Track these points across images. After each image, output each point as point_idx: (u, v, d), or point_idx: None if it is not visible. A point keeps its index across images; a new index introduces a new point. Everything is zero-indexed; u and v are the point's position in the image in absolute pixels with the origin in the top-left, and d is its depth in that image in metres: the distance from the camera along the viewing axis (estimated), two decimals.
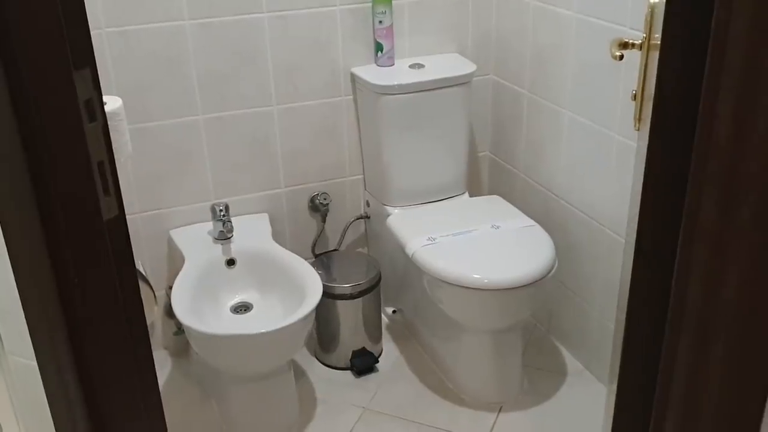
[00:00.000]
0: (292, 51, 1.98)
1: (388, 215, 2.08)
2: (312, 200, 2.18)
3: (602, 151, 1.81)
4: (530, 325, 2.23)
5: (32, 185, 0.82)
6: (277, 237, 2.04)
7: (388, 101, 1.98)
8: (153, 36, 1.84)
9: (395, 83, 1.97)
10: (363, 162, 2.20)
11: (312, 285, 1.77)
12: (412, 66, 2.05)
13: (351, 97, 2.11)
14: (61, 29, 0.78)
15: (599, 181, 1.85)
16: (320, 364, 2.11)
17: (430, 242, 1.85)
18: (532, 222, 1.95)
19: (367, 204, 2.24)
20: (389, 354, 2.15)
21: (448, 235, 1.88)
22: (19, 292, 0.87)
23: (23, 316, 0.88)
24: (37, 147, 0.81)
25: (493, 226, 1.92)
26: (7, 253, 0.85)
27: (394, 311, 2.27)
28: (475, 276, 1.73)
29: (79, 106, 0.82)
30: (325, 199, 2.16)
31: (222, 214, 1.93)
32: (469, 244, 1.85)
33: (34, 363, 0.90)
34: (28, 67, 0.78)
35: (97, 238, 0.88)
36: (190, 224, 2.04)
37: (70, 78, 0.81)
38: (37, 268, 0.86)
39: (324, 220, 2.19)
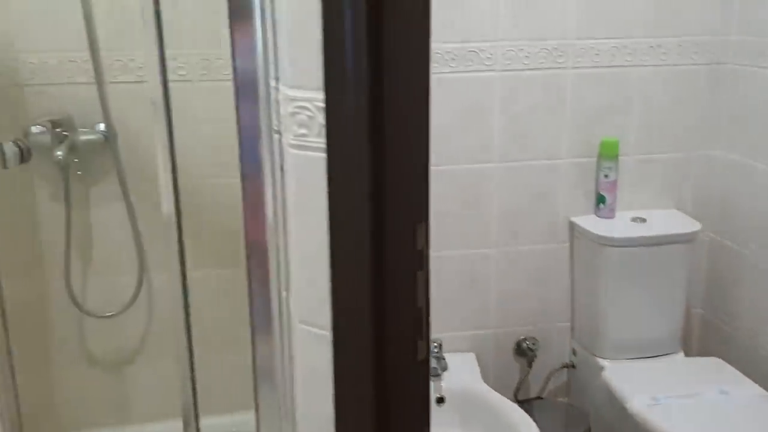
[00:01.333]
0: (516, 198, 2.07)
1: (600, 366, 2.03)
2: (519, 344, 2.18)
3: None
4: None
5: (371, 323, 0.90)
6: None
7: (609, 252, 1.99)
8: None
9: (619, 235, 1.98)
10: (572, 310, 2.19)
11: None
12: (633, 219, 2.06)
13: (567, 245, 2.14)
14: (410, 187, 0.89)
15: None
16: None
17: (655, 402, 1.77)
18: (764, 392, 1.83)
19: (573, 352, 2.21)
20: None
21: (672, 397, 1.80)
22: (336, 410, 0.94)
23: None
24: (375, 291, 0.90)
25: (721, 392, 1.82)
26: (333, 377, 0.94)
27: None
28: None
29: (415, 257, 0.92)
30: (533, 344, 2.15)
31: (436, 350, 1.98)
32: (698, 409, 1.75)
33: None
34: (373, 221, 0.89)
35: (411, 380, 0.94)
36: None
37: (413, 232, 0.90)
38: (360, 397, 0.92)
39: (530, 365, 2.17)
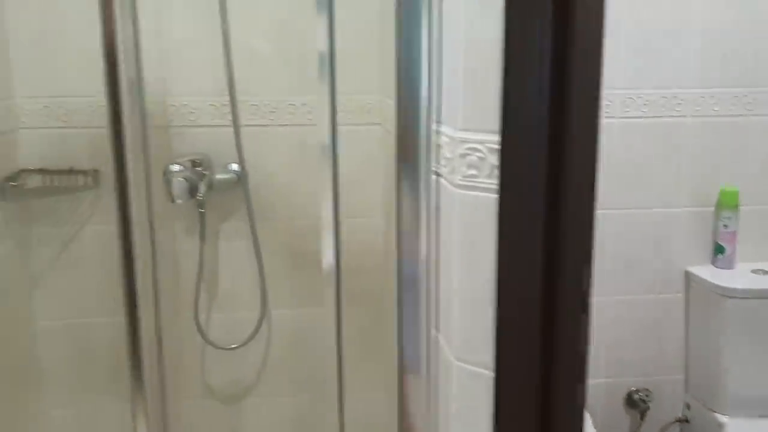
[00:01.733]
0: (630, 245, 2.05)
1: (719, 423, 1.96)
2: (630, 395, 2.12)
3: None
4: None
5: (540, 365, 0.91)
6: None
7: (729, 304, 1.93)
8: None
9: (742, 287, 1.93)
10: (687, 362, 2.13)
11: None
12: (755, 271, 2.01)
13: (681, 295, 2.09)
14: (580, 229, 0.91)
15: None
16: None
17: None
18: None
19: (687, 406, 2.13)
20: None
21: None
22: None
23: None
24: (545, 332, 0.91)
25: None
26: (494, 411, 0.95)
27: None
28: None
29: (581, 299, 0.93)
30: (647, 395, 2.10)
31: None
32: None
33: None
34: (544, 262, 0.91)
35: (571, 424, 0.94)
36: None
37: (580, 274, 0.92)
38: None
39: (642, 418, 2.11)
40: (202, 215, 1.85)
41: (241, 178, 1.87)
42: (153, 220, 1.30)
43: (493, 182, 0.93)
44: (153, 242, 1.30)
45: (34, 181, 1.77)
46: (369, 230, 1.97)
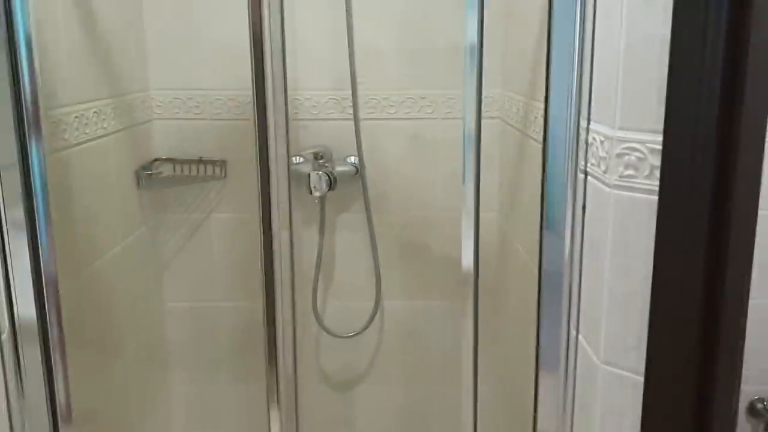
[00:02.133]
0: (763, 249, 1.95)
1: None
2: (752, 404, 2.03)
3: None
4: None
5: (696, 373, 0.89)
6: None
7: None
8: None
9: None
10: None
11: None
12: None
13: None
14: (744, 235, 0.87)
15: None
16: None
17: None
18: None
19: None
20: None
21: None
22: None
23: None
24: (704, 340, 0.89)
25: None
26: None
27: None
28: None
29: (742, 305, 0.90)
30: None
31: None
32: None
33: None
34: (707, 268, 0.88)
35: None
36: None
37: (742, 281, 0.89)
38: None
39: (766, 430, 2.02)
40: (322, 207, 1.90)
41: (359, 170, 1.90)
42: (292, 209, 1.34)
43: (653, 183, 0.90)
44: (291, 231, 1.33)
45: (166, 170, 1.86)
46: (485, 225, 1.96)
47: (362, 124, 1.88)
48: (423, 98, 1.89)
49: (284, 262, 1.37)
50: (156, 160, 1.86)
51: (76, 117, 1.42)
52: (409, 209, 1.96)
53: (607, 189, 0.97)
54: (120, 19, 1.69)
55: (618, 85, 0.94)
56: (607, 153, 0.97)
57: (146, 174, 1.78)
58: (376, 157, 1.92)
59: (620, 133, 0.94)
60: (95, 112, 1.51)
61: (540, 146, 1.44)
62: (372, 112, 1.90)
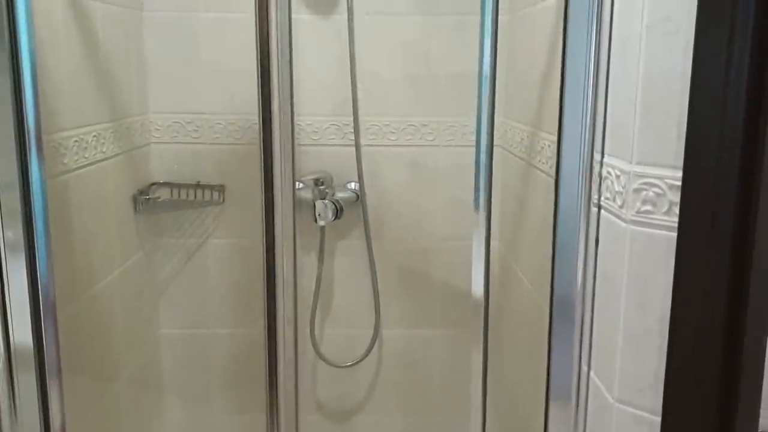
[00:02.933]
0: None
1: None
2: None
3: None
4: None
5: (717, 420, 0.87)
6: None
7: None
8: None
9: None
10: None
11: None
12: None
13: None
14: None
15: None
16: None
17: None
18: None
19: None
20: None
21: None
22: None
23: None
24: (724, 386, 0.87)
25: None
26: None
27: None
28: None
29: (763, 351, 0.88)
30: None
31: None
32: None
33: None
34: (728, 309, 0.86)
35: None
36: None
37: (764, 326, 0.87)
38: None
39: None
40: (322, 233, 1.87)
41: (360, 196, 1.88)
42: (296, 236, 1.31)
43: (672, 220, 0.89)
44: (295, 258, 1.31)
45: (164, 194, 1.83)
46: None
47: (363, 150, 1.86)
48: (424, 125, 1.88)
49: (287, 289, 1.34)
50: (153, 184, 1.83)
51: (75, 141, 1.39)
52: (409, 236, 1.94)
53: (624, 224, 0.95)
54: (121, 42, 1.68)
55: (635, 118, 0.93)
56: (623, 188, 0.95)
57: (143, 198, 1.75)
58: (376, 183, 1.90)
59: (638, 168, 0.93)
60: (95, 136, 1.48)
61: (547, 177, 1.44)
62: (373, 139, 1.88)
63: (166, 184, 1.84)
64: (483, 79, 1.12)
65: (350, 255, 1.94)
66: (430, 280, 1.96)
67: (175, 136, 1.86)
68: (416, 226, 1.93)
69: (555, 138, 1.37)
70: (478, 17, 1.86)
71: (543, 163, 1.42)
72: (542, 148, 1.44)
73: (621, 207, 0.96)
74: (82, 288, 1.47)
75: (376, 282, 1.91)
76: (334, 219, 1.79)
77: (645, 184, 0.92)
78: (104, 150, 1.54)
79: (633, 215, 0.94)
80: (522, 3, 1.65)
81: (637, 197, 0.93)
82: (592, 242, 1.06)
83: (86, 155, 1.44)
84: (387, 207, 1.92)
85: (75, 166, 1.39)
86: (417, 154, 1.90)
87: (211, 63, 1.83)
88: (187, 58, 1.83)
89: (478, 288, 1.24)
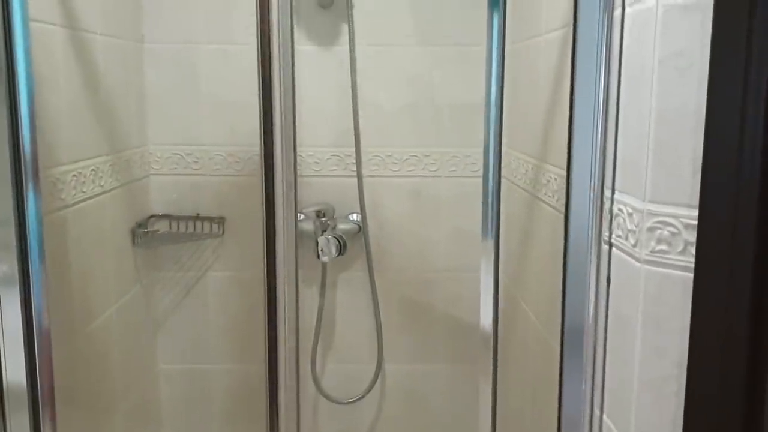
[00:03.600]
0: None
1: None
2: None
3: None
4: None
5: None
6: None
7: None
8: None
9: None
10: None
11: None
12: None
13: None
14: None
15: None
16: None
17: None
18: None
19: None
20: None
21: None
22: None
23: None
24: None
25: None
26: None
27: None
28: None
29: None
30: None
31: None
32: None
33: None
34: (750, 351, 0.83)
35: None
36: None
37: None
38: None
39: None
40: (324, 265, 1.84)
41: (362, 228, 1.85)
42: (298, 269, 1.27)
43: (688, 260, 0.86)
44: (297, 292, 1.27)
45: (162, 227, 1.80)
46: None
47: (365, 181, 1.84)
48: (427, 156, 1.86)
49: (289, 323, 1.31)
50: (152, 216, 1.80)
51: (74, 175, 1.37)
52: (412, 268, 1.91)
53: (638, 264, 0.92)
54: (121, 74, 1.66)
55: (648, 155, 0.90)
56: (636, 226, 0.93)
57: (142, 231, 1.72)
58: (378, 214, 1.88)
59: (651, 206, 0.90)
60: (93, 170, 1.46)
61: (553, 211, 1.41)
62: (375, 170, 1.86)
63: (165, 216, 1.82)
64: (490, 109, 1.10)
65: (352, 287, 1.91)
66: (434, 313, 1.92)
67: (175, 168, 1.83)
68: (419, 257, 1.90)
69: (562, 171, 1.35)
70: (480, 48, 1.85)
71: (549, 197, 1.40)
72: (548, 181, 1.41)
73: (634, 246, 0.93)
74: (80, 324, 1.43)
75: (379, 315, 1.87)
76: (338, 255, 1.76)
77: (659, 222, 0.89)
78: (102, 184, 1.51)
79: (647, 255, 0.91)
80: (523, 34, 1.63)
81: (651, 236, 0.90)
82: (603, 280, 1.03)
83: (84, 189, 1.42)
84: (389, 238, 1.89)
85: (73, 201, 1.37)
86: (419, 185, 1.88)
87: (212, 94, 1.81)
88: (188, 90, 1.81)
89: (486, 320, 1.20)
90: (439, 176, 1.87)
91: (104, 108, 1.54)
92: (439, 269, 1.89)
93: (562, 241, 1.24)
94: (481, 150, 1.90)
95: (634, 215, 0.94)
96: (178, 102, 1.81)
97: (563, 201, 1.32)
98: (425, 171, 1.87)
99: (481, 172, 1.91)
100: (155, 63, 1.80)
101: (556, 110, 1.36)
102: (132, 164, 1.71)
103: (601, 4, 0.99)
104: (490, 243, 1.18)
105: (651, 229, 0.90)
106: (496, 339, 1.22)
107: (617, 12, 1.00)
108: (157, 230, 1.78)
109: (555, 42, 1.37)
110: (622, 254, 0.98)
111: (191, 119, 1.82)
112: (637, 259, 0.92)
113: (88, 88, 1.46)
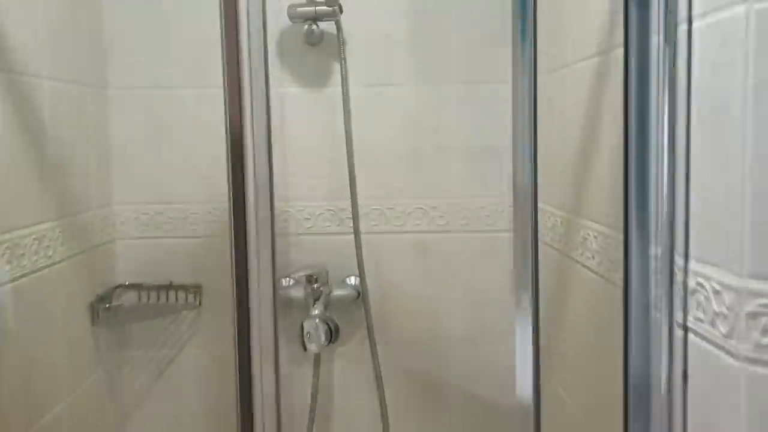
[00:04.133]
0: None
1: None
2: None
3: None
4: None
5: None
6: None
7: None
8: None
9: None
10: None
11: None
12: None
13: None
14: None
15: None
16: None
17: None
18: None
19: None
20: None
21: None
22: None
23: None
24: None
25: None
26: None
27: None
28: None
29: None
30: None
31: None
32: None
33: None
34: None
35: None
36: None
37: None
38: None
39: None
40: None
41: (361, 293, 1.61)
42: (278, 346, 1.05)
43: None
44: (277, 375, 1.04)
45: (130, 299, 1.56)
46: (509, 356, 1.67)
47: (364, 238, 1.60)
48: (434, 208, 1.62)
49: (268, 411, 1.07)
50: (118, 287, 1.56)
51: (7, 248, 1.13)
52: (421, 339, 1.65)
53: (734, 362, 0.68)
54: (77, 124, 1.44)
55: (744, 214, 0.67)
56: (729, 309, 0.68)
57: (104, 306, 1.48)
58: (380, 277, 1.63)
59: (752, 284, 0.66)
60: (36, 239, 1.22)
61: (594, 275, 1.16)
62: (375, 225, 1.62)
63: (132, 286, 1.58)
64: (523, 153, 0.88)
65: (351, 362, 1.65)
66: (448, 391, 1.66)
67: (144, 230, 1.60)
68: (428, 326, 1.65)
69: (600, 227, 1.11)
70: (487, 85, 1.65)
71: (589, 258, 1.15)
72: (585, 239, 1.17)
73: (728, 336, 0.69)
74: (21, 427, 1.18)
75: (383, 394, 1.61)
76: (328, 343, 1.50)
77: (764, 306, 0.65)
78: (50, 254, 1.27)
79: (750, 351, 0.66)
80: (543, 66, 1.41)
81: (753, 324, 0.66)
82: (678, 377, 0.79)
83: (23, 263, 1.18)
84: (393, 304, 1.64)
85: (7, 279, 1.13)
86: (427, 241, 1.63)
87: (184, 145, 1.59)
88: (157, 140, 1.59)
89: (525, 398, 0.94)
90: (449, 231, 1.63)
91: (52, 165, 1.31)
92: (453, 339, 1.64)
93: (607, 314, 1.00)
94: (496, 201, 1.69)
95: (724, 294, 0.69)
96: (147, 154, 1.59)
97: (607, 265, 1.09)
98: (432, 225, 1.63)
99: (497, 226, 1.71)
100: (120, 111, 1.59)
101: (591, 154, 1.13)
102: (91, 228, 1.47)
103: (661, 18, 0.77)
104: (526, 309, 0.93)
105: (753, 315, 0.66)
106: (539, 423, 0.96)
107: (682, 27, 0.77)
108: (122, 303, 1.53)
109: (586, 72, 1.15)
110: (705, 344, 0.73)
111: (162, 174, 1.59)
112: (734, 355, 0.68)
113: (29, 143, 1.23)
